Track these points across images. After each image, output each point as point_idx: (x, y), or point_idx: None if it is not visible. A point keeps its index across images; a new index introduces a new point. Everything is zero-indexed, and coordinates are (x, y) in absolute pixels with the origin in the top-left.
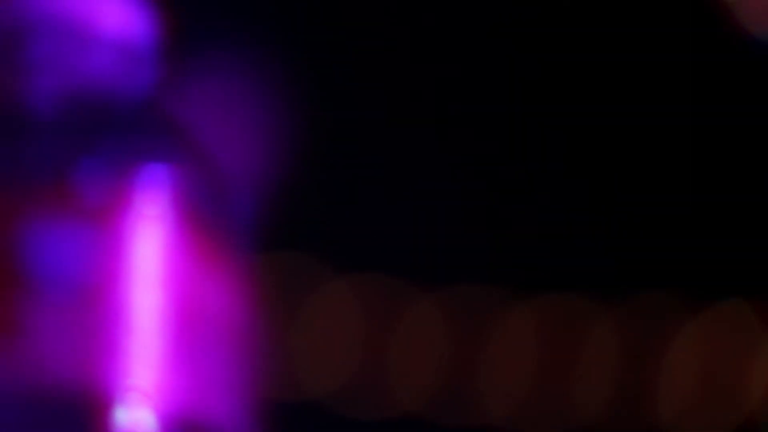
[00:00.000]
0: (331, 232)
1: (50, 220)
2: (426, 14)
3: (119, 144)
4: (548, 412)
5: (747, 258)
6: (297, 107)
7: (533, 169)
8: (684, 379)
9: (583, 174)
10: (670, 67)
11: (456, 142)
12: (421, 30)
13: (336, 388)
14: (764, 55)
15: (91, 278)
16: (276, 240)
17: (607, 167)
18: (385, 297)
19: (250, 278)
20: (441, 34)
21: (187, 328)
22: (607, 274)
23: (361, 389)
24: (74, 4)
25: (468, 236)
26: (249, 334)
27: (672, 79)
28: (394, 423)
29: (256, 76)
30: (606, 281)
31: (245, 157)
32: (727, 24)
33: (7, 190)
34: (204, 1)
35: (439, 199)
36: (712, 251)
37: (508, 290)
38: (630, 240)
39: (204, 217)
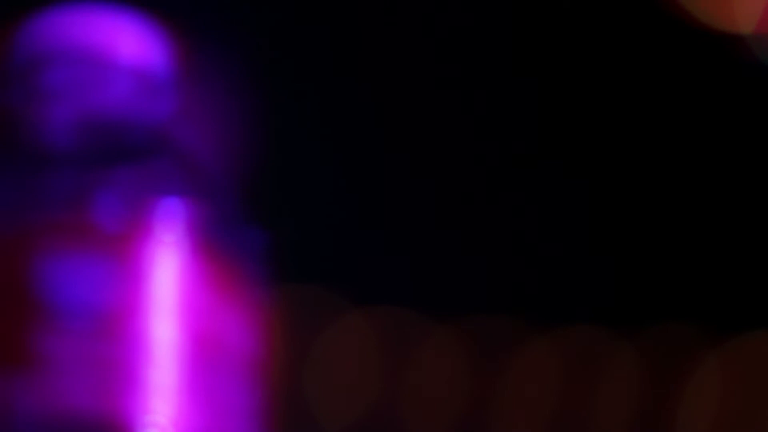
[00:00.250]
0: (347, 264)
1: (67, 250)
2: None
3: (135, 174)
4: None
5: None
6: (314, 142)
7: (552, 203)
8: (706, 413)
9: (604, 207)
10: (679, 104)
11: (474, 179)
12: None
13: (352, 420)
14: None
15: (108, 309)
16: (292, 271)
17: (630, 201)
18: (401, 329)
19: (266, 310)
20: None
21: (203, 359)
22: (626, 306)
23: (377, 421)
24: (91, 34)
25: (485, 268)
26: (264, 365)
27: (685, 117)
28: None
29: (269, 108)
30: (625, 313)
31: (259, 188)
32: (731, 46)
33: (24, 220)
34: (218, 32)
35: (455, 232)
36: (735, 283)
37: (527, 322)
38: (651, 272)
39: (219, 248)
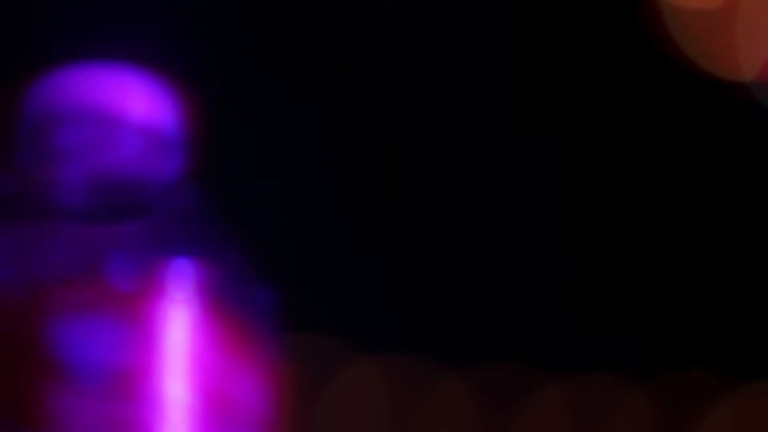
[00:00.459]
0: (357, 312)
1: (80, 310)
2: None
3: (146, 233)
4: None
5: None
6: (319, 194)
7: (563, 250)
8: None
9: (615, 256)
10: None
11: (485, 229)
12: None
13: None
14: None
15: (121, 368)
16: (301, 321)
17: (640, 250)
18: (411, 376)
19: (277, 364)
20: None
21: (215, 417)
22: (638, 353)
23: None
24: (101, 93)
25: (495, 314)
26: (275, 421)
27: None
28: None
29: (273, 164)
30: (637, 360)
31: (265, 241)
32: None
33: (37, 280)
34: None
35: (464, 278)
36: (749, 330)
37: (537, 369)
38: (664, 319)
39: (230, 305)
